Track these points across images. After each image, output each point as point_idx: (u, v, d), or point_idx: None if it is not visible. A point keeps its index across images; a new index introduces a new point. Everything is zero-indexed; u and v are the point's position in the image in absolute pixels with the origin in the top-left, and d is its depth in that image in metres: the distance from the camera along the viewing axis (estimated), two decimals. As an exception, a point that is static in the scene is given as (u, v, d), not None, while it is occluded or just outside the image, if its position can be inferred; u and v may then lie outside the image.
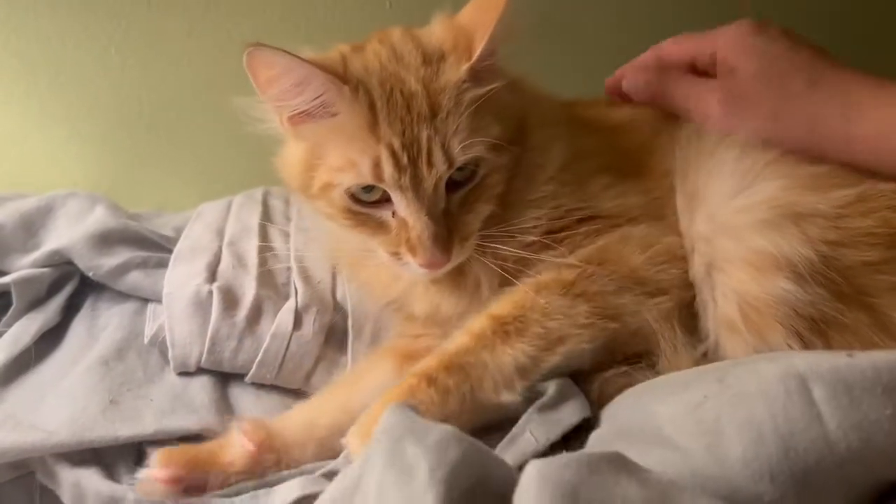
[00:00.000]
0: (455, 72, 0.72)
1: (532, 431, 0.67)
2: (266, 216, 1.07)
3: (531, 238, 0.76)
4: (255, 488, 0.69)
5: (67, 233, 0.95)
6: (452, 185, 0.74)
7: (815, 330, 0.68)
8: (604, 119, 0.88)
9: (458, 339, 0.72)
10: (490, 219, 0.76)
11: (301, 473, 0.70)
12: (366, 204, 0.74)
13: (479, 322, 0.72)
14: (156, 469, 0.69)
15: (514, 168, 0.77)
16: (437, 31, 0.76)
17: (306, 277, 0.92)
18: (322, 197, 0.75)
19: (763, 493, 0.52)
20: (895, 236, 0.69)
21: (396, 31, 0.78)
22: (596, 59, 1.16)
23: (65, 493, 0.70)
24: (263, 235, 1.00)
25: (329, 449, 0.74)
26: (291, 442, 0.74)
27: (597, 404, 0.71)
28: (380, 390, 0.73)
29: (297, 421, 0.77)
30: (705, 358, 0.74)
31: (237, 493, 0.69)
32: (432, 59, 0.73)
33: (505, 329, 0.71)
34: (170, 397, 0.79)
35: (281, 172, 0.80)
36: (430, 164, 0.70)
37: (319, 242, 0.97)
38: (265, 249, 0.97)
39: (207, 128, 1.33)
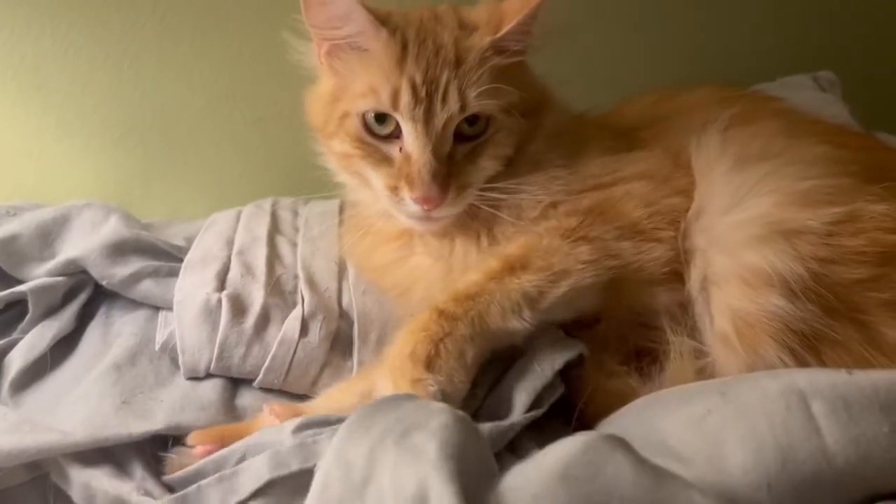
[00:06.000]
0: (481, 40, 0.79)
1: (538, 364, 0.72)
2: (274, 226, 1.08)
3: (531, 210, 0.81)
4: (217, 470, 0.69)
5: (82, 243, 0.96)
6: (462, 137, 0.80)
7: (806, 345, 0.69)
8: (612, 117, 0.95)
9: (469, 277, 0.76)
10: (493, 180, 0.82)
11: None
12: (377, 137, 0.80)
13: (487, 261, 0.77)
14: (190, 443, 0.74)
15: (524, 139, 0.84)
16: (479, 10, 0.85)
17: (313, 285, 0.93)
18: (340, 129, 0.82)
19: (761, 501, 0.53)
20: (885, 254, 0.70)
21: (445, 5, 0.87)
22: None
23: (76, 494, 0.71)
24: (272, 245, 1.02)
25: None
26: None
27: (591, 417, 0.72)
28: None
29: (323, 406, 0.79)
30: (706, 374, 0.74)
31: (201, 476, 0.69)
32: (466, 27, 0.82)
33: (511, 265, 0.74)
34: (180, 397, 0.81)
35: (308, 110, 0.88)
36: (444, 102, 0.77)
37: (329, 242, 1.01)
38: (273, 258, 0.99)
39: (218, 139, 1.35)
